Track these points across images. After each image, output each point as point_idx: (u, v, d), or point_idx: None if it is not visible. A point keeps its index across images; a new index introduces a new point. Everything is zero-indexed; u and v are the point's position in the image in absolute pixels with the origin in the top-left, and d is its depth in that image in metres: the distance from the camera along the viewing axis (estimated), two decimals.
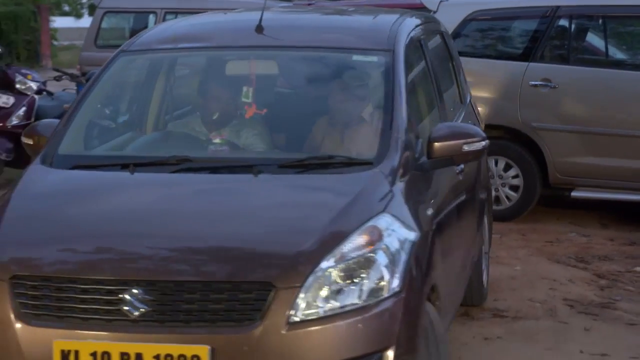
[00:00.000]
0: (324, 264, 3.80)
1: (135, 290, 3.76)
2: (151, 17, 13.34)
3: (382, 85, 4.92)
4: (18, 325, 3.83)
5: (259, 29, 5.17)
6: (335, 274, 3.80)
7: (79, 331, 3.79)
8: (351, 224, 3.99)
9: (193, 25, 5.92)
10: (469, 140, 4.65)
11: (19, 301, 3.85)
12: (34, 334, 3.82)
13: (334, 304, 3.77)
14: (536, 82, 8.58)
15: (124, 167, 4.53)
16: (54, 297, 3.84)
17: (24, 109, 9.88)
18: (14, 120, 9.80)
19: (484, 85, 8.66)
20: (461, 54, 7.49)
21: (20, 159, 9.77)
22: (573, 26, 8.84)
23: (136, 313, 3.75)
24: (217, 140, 5.06)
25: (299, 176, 4.45)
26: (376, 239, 3.94)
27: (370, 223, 4.00)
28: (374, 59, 5.11)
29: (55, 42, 30.17)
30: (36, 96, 10.05)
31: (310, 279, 3.76)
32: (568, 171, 8.53)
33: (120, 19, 15.03)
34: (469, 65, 8.13)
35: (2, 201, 4.43)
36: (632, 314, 6.27)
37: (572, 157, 8.48)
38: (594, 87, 8.52)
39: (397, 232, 4.03)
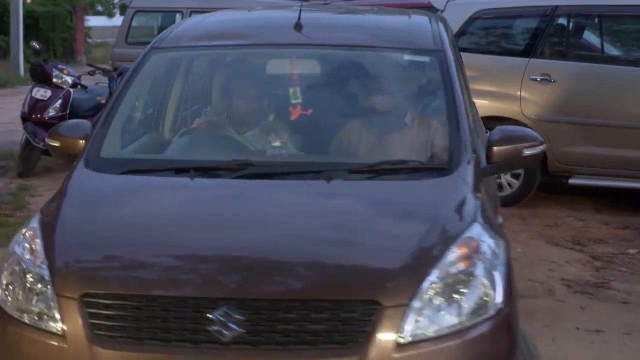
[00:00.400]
0: (428, 280, 3.28)
1: (224, 310, 3.16)
2: (178, 16, 13.35)
3: (440, 86, 4.45)
4: (92, 349, 3.22)
5: (298, 26, 4.65)
6: (438, 290, 3.29)
7: (162, 355, 3.19)
8: (448, 235, 3.51)
9: (224, 21, 5.34)
10: (529, 144, 4.21)
11: (91, 321, 3.24)
12: (110, 358, 3.22)
13: (440, 323, 3.25)
14: (536, 77, 8.53)
15: (178, 171, 4.02)
16: (132, 317, 3.23)
17: (60, 101, 9.90)
18: (51, 112, 9.82)
19: (488, 79, 8.62)
20: (467, 50, 7.47)
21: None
22: (571, 24, 8.79)
23: (227, 335, 3.15)
24: (276, 144, 4.47)
25: (375, 183, 3.92)
26: (474, 251, 3.45)
27: (466, 234, 3.51)
28: (426, 59, 4.64)
29: (89, 40, 30.23)
30: (71, 89, 10.07)
31: (417, 296, 3.24)
32: (566, 160, 8.48)
33: (149, 17, 15.05)
34: (474, 61, 8.12)
35: (52, 211, 3.80)
36: (625, 293, 6.24)
37: (570, 146, 8.43)
38: (591, 81, 8.47)
39: (488, 242, 3.53)
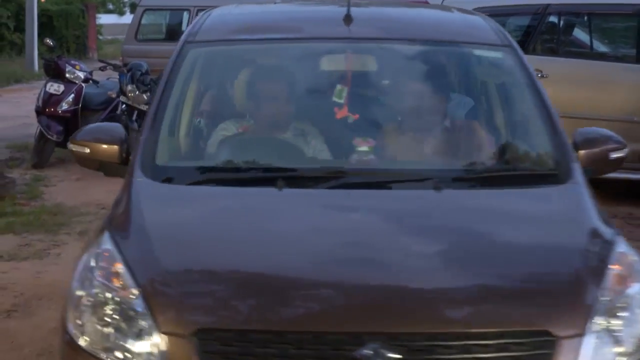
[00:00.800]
0: (597, 305, 2.71)
1: (374, 347, 2.53)
2: (185, 14, 13.32)
3: (521, 82, 3.86)
4: None
5: (348, 19, 3.96)
6: (604, 315, 2.72)
7: None
8: (599, 252, 2.98)
9: (259, 13, 4.54)
10: (614, 146, 3.64)
11: None
12: None
13: (607, 354, 2.68)
14: None
15: (251, 182, 3.36)
16: (258, 357, 2.59)
17: (72, 95, 9.88)
18: (64, 106, 9.81)
19: None
20: None
21: (69, 140, 9.78)
22: (562, 22, 8.77)
23: None
24: (363, 148, 3.74)
25: (491, 192, 3.34)
26: (628, 269, 2.91)
27: (618, 250, 2.97)
28: (498, 54, 4.01)
29: (100, 37, 30.14)
30: (83, 84, 10.05)
31: (589, 323, 2.66)
32: None
33: (158, 15, 15.00)
34: None
35: (125, 230, 3.10)
36: None
37: None
38: (580, 76, 8.45)
39: (634, 257, 2.98)
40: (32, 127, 10.48)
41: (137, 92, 9.60)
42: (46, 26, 24.51)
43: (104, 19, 33.75)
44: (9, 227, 7.23)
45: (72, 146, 3.75)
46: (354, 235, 2.99)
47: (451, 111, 4.04)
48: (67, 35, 26.43)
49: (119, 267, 2.86)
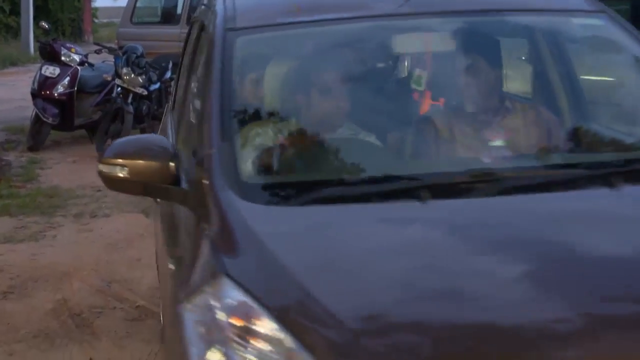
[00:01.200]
0: None
1: None
2: None
3: (634, 50, 3.31)
4: None
5: None
6: None
7: None
8: None
9: None
10: None
11: None
12: None
13: None
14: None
15: (384, 196, 2.60)
16: None
17: (68, 78, 9.85)
18: (60, 89, 9.78)
19: None
20: None
21: (64, 122, 9.77)
22: None
23: None
24: (497, 143, 3.08)
25: None
26: None
27: None
28: (598, 21, 3.39)
29: (96, 20, 30.04)
30: (79, 67, 10.01)
31: None
32: None
33: None
34: None
35: (257, 275, 2.25)
36: None
37: None
38: None
39: None
40: (28, 110, 10.44)
41: (132, 75, 9.57)
42: (42, 9, 24.39)
43: (99, 2, 33.62)
44: (5, 210, 7.20)
45: (103, 167, 2.90)
46: (544, 253, 2.32)
47: (563, 90, 3.54)
48: (63, 18, 26.33)
49: (266, 323, 2.09)
